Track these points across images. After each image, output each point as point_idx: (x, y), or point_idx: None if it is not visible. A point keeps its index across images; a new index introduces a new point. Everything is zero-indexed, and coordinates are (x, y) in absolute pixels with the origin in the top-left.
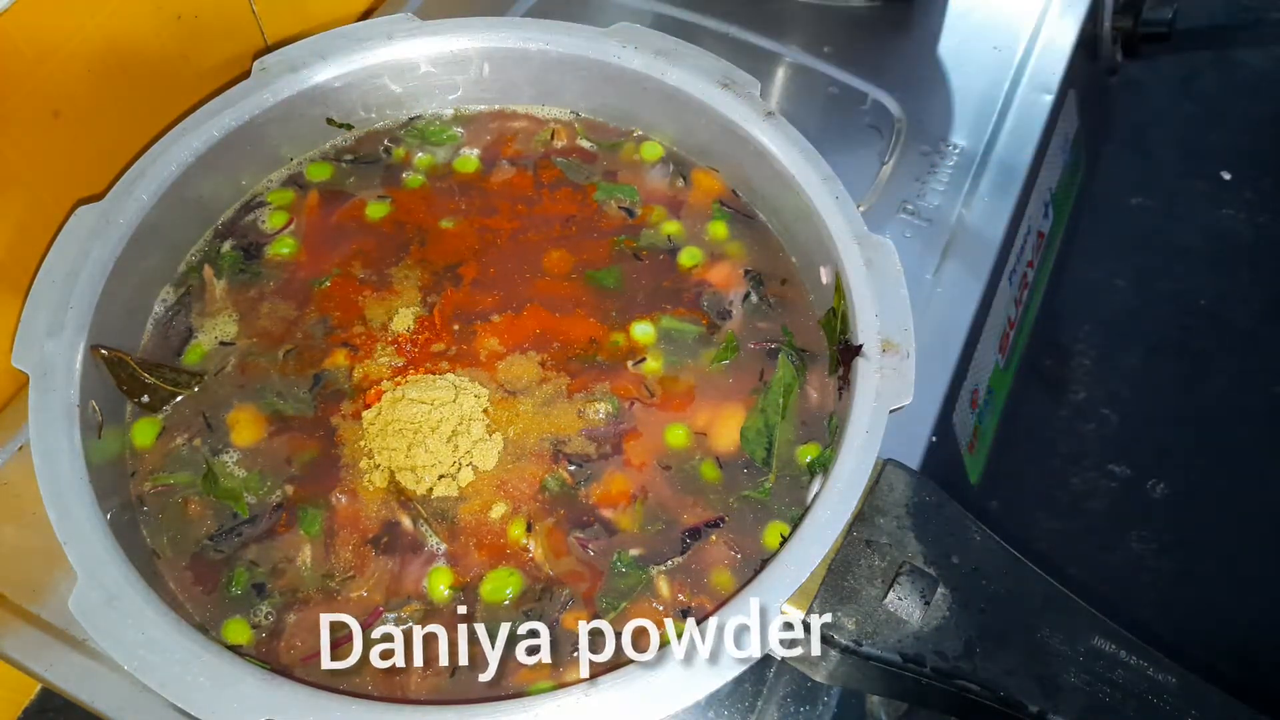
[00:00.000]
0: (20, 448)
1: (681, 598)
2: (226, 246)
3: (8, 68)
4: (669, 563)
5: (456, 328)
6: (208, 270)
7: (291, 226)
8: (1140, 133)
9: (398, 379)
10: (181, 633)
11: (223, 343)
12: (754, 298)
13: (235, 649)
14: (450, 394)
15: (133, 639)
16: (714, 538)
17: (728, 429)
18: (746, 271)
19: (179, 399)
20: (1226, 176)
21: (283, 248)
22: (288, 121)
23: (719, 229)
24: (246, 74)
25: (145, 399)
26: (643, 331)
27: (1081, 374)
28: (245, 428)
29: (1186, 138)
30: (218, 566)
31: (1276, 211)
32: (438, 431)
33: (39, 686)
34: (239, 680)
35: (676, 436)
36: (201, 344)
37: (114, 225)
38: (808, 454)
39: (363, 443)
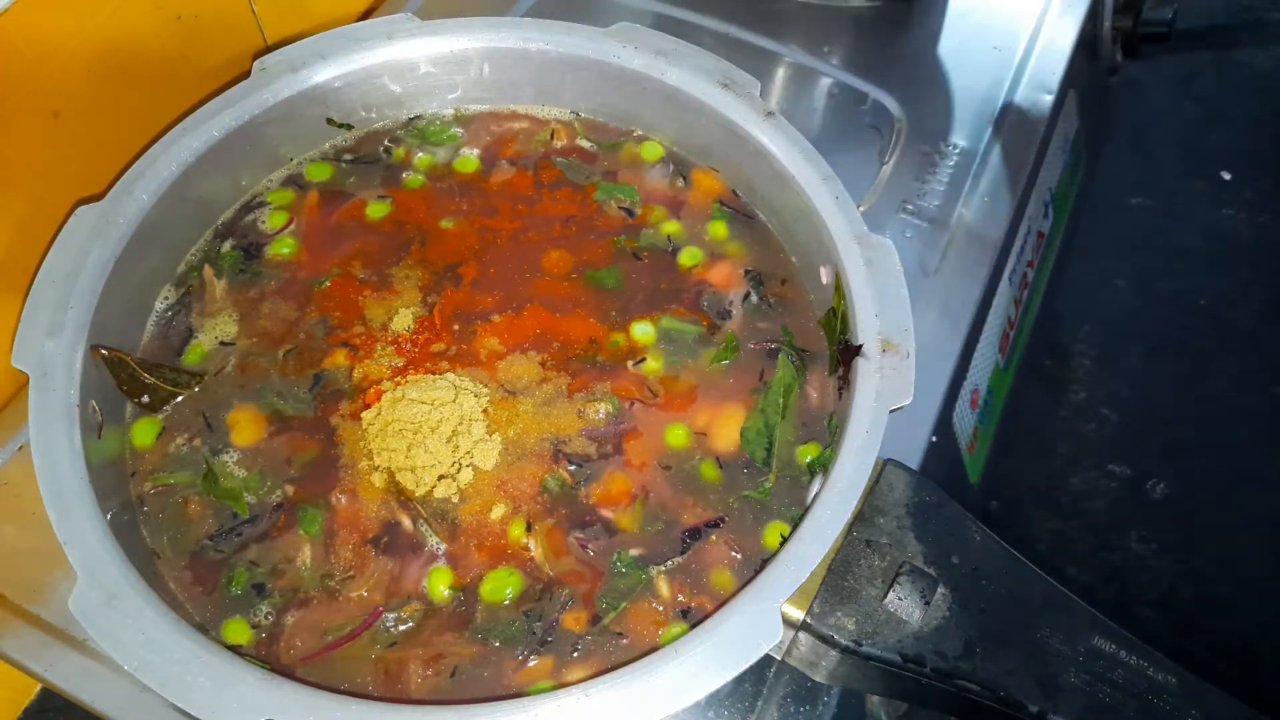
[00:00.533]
0: (20, 448)
1: (681, 598)
2: (226, 246)
3: (8, 68)
4: (669, 563)
5: (456, 328)
6: (208, 270)
7: (291, 226)
8: (1140, 133)
9: (397, 379)
10: (181, 633)
11: (223, 343)
12: (754, 298)
13: (235, 649)
14: (450, 394)
15: (133, 639)
16: (714, 538)
17: (728, 429)
18: (746, 271)
19: (179, 399)
20: (1226, 176)
21: (283, 248)
22: (288, 121)
23: (719, 229)
24: (246, 74)
25: (145, 399)
26: (643, 331)
27: (1081, 374)
28: (245, 428)
29: (1186, 138)
30: (217, 566)
31: (1276, 211)
32: (438, 432)
33: (39, 686)
34: (239, 680)
35: (676, 436)
36: (201, 344)
37: (114, 225)
38: (808, 454)
39: (363, 443)
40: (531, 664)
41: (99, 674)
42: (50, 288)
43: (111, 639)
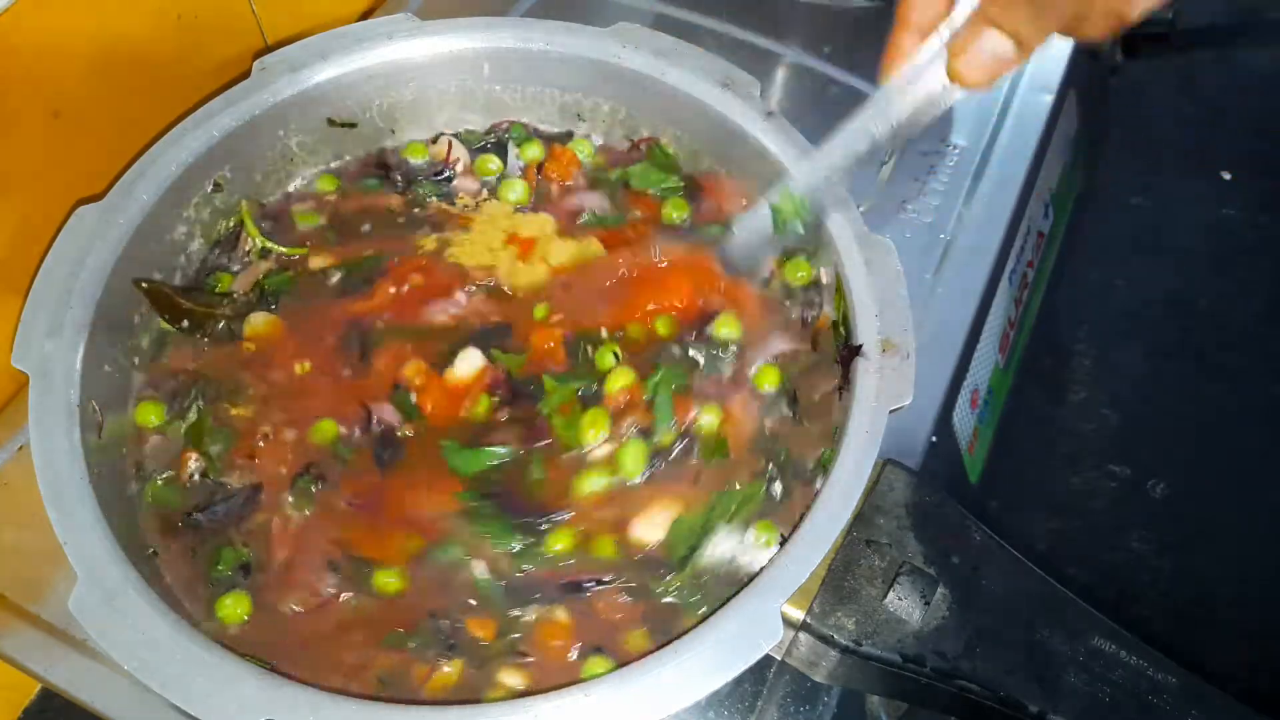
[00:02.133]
0: (20, 448)
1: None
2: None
3: (8, 68)
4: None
5: None
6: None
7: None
8: (1140, 133)
9: None
10: (181, 633)
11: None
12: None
13: (236, 647)
14: None
15: (133, 639)
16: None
17: (658, 520)
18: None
19: (217, 322)
20: (1226, 176)
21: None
22: (288, 121)
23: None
24: (246, 74)
25: (185, 324)
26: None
27: (1081, 374)
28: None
29: (1186, 138)
30: (206, 546)
31: (1276, 211)
32: None
33: (39, 686)
34: (239, 680)
35: (606, 547)
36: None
37: (114, 225)
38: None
39: None
40: None
41: (99, 674)
42: (50, 288)
43: (111, 639)
